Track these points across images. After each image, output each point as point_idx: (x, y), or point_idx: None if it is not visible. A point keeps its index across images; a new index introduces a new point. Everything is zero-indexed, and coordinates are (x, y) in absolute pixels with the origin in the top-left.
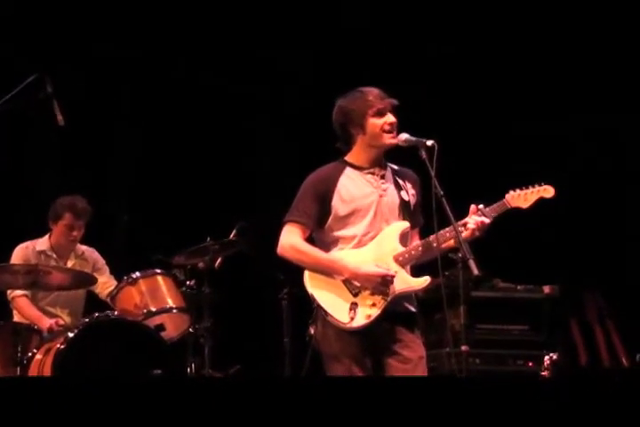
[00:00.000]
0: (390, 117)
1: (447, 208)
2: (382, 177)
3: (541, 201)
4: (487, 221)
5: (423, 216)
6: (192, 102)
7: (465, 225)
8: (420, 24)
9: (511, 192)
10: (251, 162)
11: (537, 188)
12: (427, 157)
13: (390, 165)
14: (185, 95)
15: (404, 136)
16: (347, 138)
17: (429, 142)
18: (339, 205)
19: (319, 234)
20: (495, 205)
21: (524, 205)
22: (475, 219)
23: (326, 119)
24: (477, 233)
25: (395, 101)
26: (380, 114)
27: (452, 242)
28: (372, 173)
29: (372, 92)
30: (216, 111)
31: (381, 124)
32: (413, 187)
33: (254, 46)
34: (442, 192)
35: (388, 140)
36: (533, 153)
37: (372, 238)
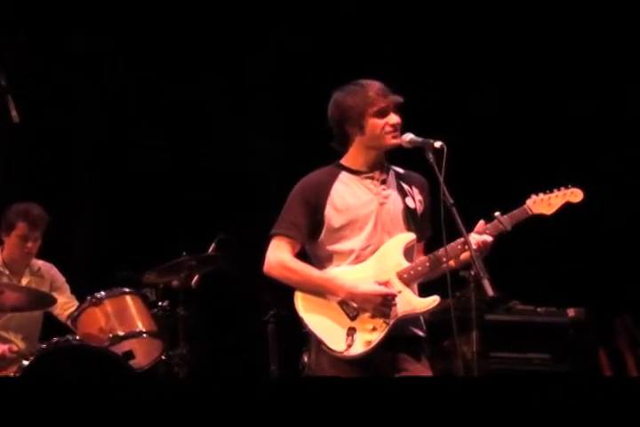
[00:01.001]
0: (393, 118)
1: (458, 218)
2: (383, 182)
3: (568, 207)
4: (489, 239)
5: (432, 227)
6: (164, 102)
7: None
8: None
9: (533, 197)
10: (234, 166)
11: (563, 191)
12: (434, 161)
13: (393, 168)
14: (157, 95)
15: (409, 136)
16: (343, 137)
17: (437, 144)
18: (333, 216)
19: (311, 249)
20: (514, 212)
21: (548, 211)
22: (475, 238)
23: (320, 118)
24: (480, 253)
25: (399, 99)
26: (382, 113)
27: (463, 257)
28: (372, 178)
29: (374, 87)
30: (190, 109)
31: (382, 125)
32: (421, 193)
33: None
34: (452, 200)
35: (390, 140)
36: (558, 152)
37: (373, 253)
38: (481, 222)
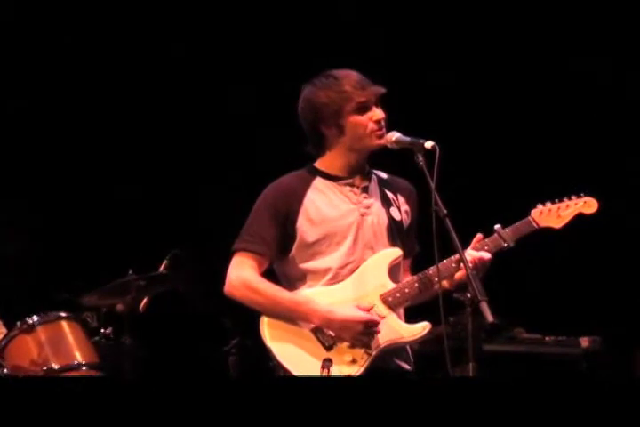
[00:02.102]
0: (377, 112)
1: (452, 232)
2: (365, 190)
3: (580, 219)
4: (487, 256)
5: (420, 242)
6: (115, 105)
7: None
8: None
9: (539, 207)
10: (188, 169)
11: (574, 200)
12: (425, 164)
13: (376, 172)
14: (99, 100)
15: (395, 135)
16: (319, 140)
17: (429, 144)
18: (306, 229)
19: (281, 266)
20: (517, 225)
21: (557, 224)
22: (471, 254)
23: (290, 114)
24: (476, 272)
25: (381, 89)
26: (363, 109)
27: (458, 277)
28: (351, 185)
29: (349, 79)
30: (132, 115)
31: (365, 123)
32: (407, 202)
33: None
34: (445, 210)
35: (375, 140)
36: (569, 153)
37: (352, 272)
38: (478, 236)
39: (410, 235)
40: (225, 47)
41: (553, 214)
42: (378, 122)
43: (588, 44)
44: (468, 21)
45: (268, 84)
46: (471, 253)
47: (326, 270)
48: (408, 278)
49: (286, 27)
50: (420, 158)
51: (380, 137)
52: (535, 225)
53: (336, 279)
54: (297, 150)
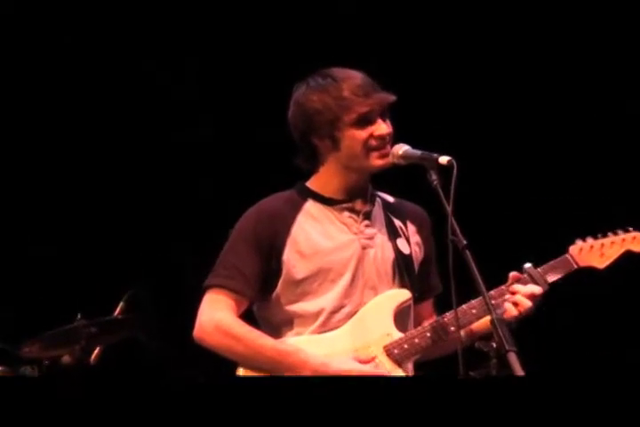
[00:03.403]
0: (381, 126)
1: (473, 267)
2: (367, 216)
3: (627, 258)
4: (538, 291)
5: (440, 279)
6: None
7: (501, 298)
8: None
9: (578, 243)
10: (149, 192)
11: (621, 235)
12: (439, 184)
13: (381, 195)
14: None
15: (403, 148)
16: (310, 153)
17: (444, 159)
18: (294, 263)
19: (262, 308)
20: (553, 264)
21: (600, 263)
22: (519, 289)
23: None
24: (523, 312)
25: (389, 97)
26: (364, 121)
27: (480, 324)
28: (351, 210)
29: (351, 82)
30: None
31: (365, 139)
32: (419, 232)
33: None
34: (464, 241)
35: (376, 161)
36: (613, 177)
37: (350, 317)
38: (513, 274)
39: (425, 271)
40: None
41: (595, 252)
42: (381, 138)
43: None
44: (492, 22)
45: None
46: (518, 289)
47: (317, 314)
48: (419, 327)
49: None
50: (434, 177)
51: (383, 157)
52: (574, 264)
53: (329, 326)
54: (284, 166)
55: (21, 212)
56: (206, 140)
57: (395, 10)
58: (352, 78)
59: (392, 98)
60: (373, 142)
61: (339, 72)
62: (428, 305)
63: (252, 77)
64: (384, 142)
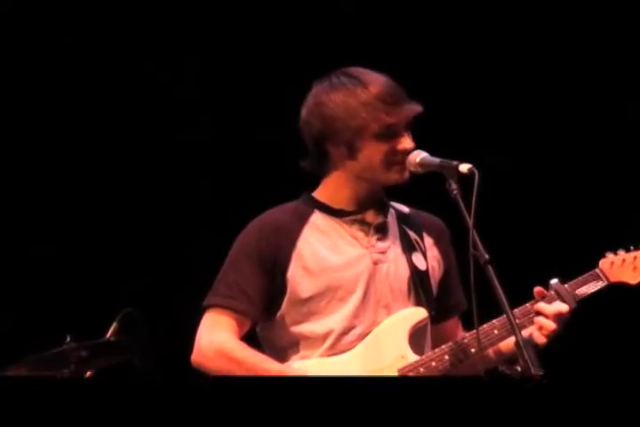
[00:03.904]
0: (405, 141)
1: (496, 284)
2: (379, 229)
3: None
4: (564, 309)
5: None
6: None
7: (526, 318)
8: None
9: (609, 256)
10: (144, 205)
11: None
12: (459, 193)
13: (394, 205)
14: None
15: (420, 156)
16: (320, 158)
17: (464, 167)
18: (300, 280)
19: (266, 330)
20: (581, 279)
21: (633, 278)
22: (544, 309)
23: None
24: (549, 336)
25: (417, 108)
26: (390, 133)
27: (503, 346)
28: (362, 222)
29: (380, 87)
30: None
31: (385, 153)
32: (437, 245)
33: None
34: (486, 255)
35: (394, 176)
36: None
37: (361, 338)
38: (539, 290)
39: (445, 287)
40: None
41: (628, 266)
42: (403, 153)
43: None
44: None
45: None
46: (543, 308)
47: (325, 336)
48: (437, 349)
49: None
50: (454, 186)
51: (402, 172)
52: (605, 280)
53: (338, 348)
54: (286, 167)
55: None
56: (206, 140)
57: (398, 11)
58: (381, 84)
59: (419, 108)
60: (395, 157)
61: (365, 74)
62: (453, 324)
63: (252, 77)
64: (405, 157)
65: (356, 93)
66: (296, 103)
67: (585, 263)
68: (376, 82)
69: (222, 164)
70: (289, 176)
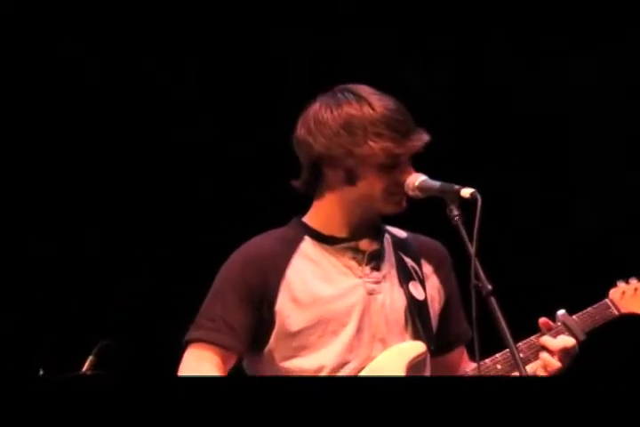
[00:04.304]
0: (410, 172)
1: (499, 316)
2: (374, 256)
3: None
4: (570, 343)
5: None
6: None
7: (531, 352)
8: None
9: (620, 285)
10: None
11: None
12: (461, 220)
13: (391, 230)
14: None
15: (419, 179)
16: (314, 180)
17: (466, 192)
18: (289, 312)
19: (253, 365)
20: (590, 311)
21: None
22: (549, 343)
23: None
24: (555, 371)
25: (425, 137)
26: (394, 165)
27: None
28: (355, 250)
29: (390, 114)
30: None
31: (386, 185)
32: (437, 273)
33: None
34: (489, 286)
35: (392, 207)
36: None
37: (356, 374)
38: (544, 321)
39: (447, 317)
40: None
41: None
42: (404, 186)
43: None
44: None
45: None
46: (548, 342)
47: (317, 372)
48: None
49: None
50: (455, 212)
51: (399, 203)
52: (615, 311)
53: None
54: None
55: None
56: (206, 140)
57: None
58: (390, 109)
59: (428, 138)
60: (396, 189)
61: (373, 96)
62: (457, 355)
63: (253, 77)
64: (404, 191)
65: (363, 118)
66: (296, 104)
67: (594, 293)
68: (385, 108)
69: (223, 164)
70: (290, 177)
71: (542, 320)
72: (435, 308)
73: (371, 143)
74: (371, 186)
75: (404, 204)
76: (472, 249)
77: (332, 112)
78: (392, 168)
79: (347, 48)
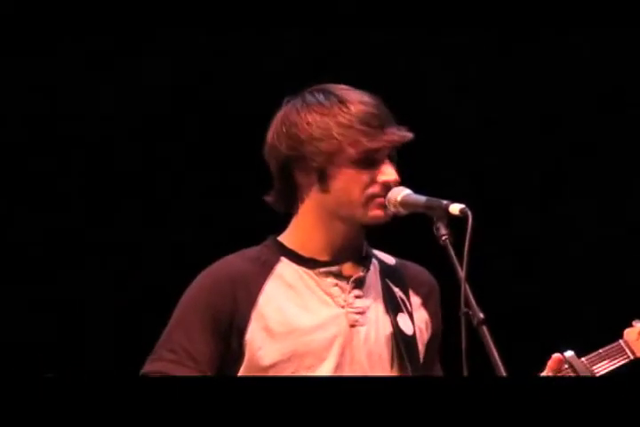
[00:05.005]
0: (388, 171)
1: (492, 348)
2: (358, 283)
3: None
4: None
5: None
6: None
7: None
8: None
9: (637, 325)
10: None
11: None
12: (449, 239)
13: (378, 255)
14: None
15: (402, 194)
16: (287, 190)
17: (455, 208)
18: (261, 344)
19: None
20: (602, 353)
21: None
22: None
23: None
24: None
25: (407, 135)
26: (369, 161)
27: None
28: (337, 275)
29: (362, 107)
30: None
31: (366, 183)
32: (425, 304)
33: None
34: (481, 315)
35: (374, 212)
36: None
37: None
38: (555, 356)
39: (431, 355)
40: None
41: None
42: (385, 186)
43: None
44: None
45: None
46: None
47: None
48: None
49: None
50: (443, 231)
51: (382, 208)
52: (630, 354)
53: None
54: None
55: None
56: (202, 140)
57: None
58: (364, 103)
59: (409, 135)
60: (375, 189)
61: (346, 92)
62: None
63: (253, 77)
64: (387, 191)
65: (333, 113)
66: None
67: (607, 333)
68: (358, 102)
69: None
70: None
71: (555, 358)
72: (423, 342)
73: (339, 137)
74: (345, 188)
75: (390, 211)
76: (462, 273)
77: (298, 113)
78: (367, 166)
79: (345, 48)
